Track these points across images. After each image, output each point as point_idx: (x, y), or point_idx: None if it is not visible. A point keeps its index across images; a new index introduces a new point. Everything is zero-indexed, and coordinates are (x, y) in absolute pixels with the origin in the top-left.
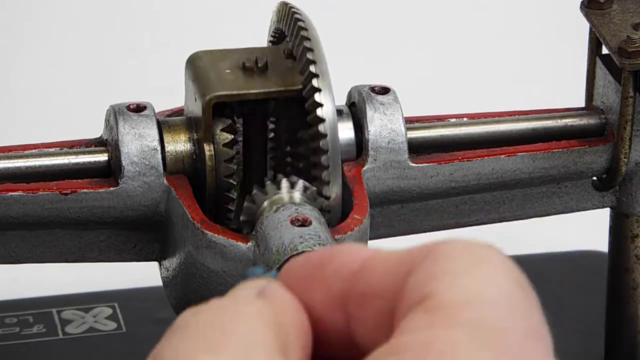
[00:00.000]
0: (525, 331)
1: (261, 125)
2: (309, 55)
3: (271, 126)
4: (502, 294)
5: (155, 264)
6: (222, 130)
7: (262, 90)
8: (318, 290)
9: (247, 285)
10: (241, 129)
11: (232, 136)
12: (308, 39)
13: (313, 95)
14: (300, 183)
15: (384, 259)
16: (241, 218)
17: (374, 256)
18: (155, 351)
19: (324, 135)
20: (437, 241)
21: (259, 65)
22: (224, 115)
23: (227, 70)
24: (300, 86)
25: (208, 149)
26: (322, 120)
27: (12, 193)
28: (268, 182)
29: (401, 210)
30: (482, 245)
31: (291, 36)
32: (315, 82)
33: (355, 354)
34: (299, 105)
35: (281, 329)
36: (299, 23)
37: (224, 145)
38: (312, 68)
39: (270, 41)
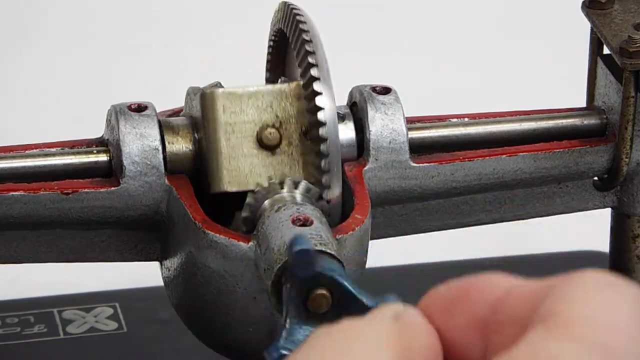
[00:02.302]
0: (636, 356)
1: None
2: (310, 59)
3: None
4: (621, 317)
5: (156, 263)
6: None
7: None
8: (460, 315)
9: (385, 308)
10: None
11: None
12: (310, 42)
13: (314, 99)
14: (304, 183)
15: (525, 287)
16: (242, 214)
17: (516, 284)
18: None
19: (324, 139)
20: (577, 272)
21: (273, 143)
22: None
23: (241, 142)
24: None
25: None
26: (322, 124)
27: (14, 193)
28: (271, 181)
29: (402, 210)
30: (618, 277)
31: (292, 36)
32: (313, 72)
33: None
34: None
35: (409, 350)
36: (300, 23)
37: None
38: (313, 71)
39: (270, 41)
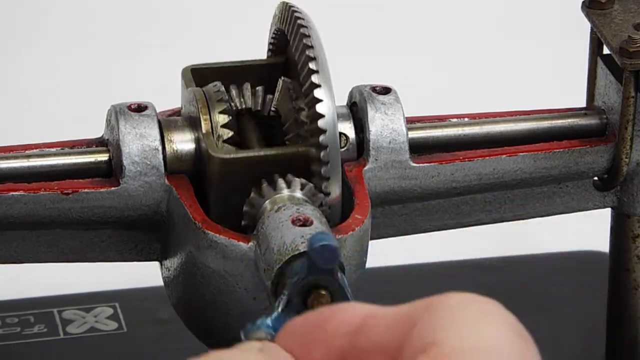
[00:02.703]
0: None
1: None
2: (309, 53)
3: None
4: (505, 343)
5: (156, 263)
6: (222, 126)
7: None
8: (318, 348)
9: (249, 343)
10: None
11: (233, 132)
12: (308, 37)
13: (312, 92)
14: (297, 181)
15: (385, 315)
16: (242, 223)
17: (374, 312)
18: None
19: (324, 131)
20: (438, 295)
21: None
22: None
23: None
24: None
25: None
26: (321, 115)
27: (14, 193)
28: (265, 184)
29: (402, 210)
30: (483, 298)
31: (292, 36)
32: (314, 78)
33: None
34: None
35: None
36: (300, 23)
37: (225, 141)
38: (311, 65)
39: (271, 41)
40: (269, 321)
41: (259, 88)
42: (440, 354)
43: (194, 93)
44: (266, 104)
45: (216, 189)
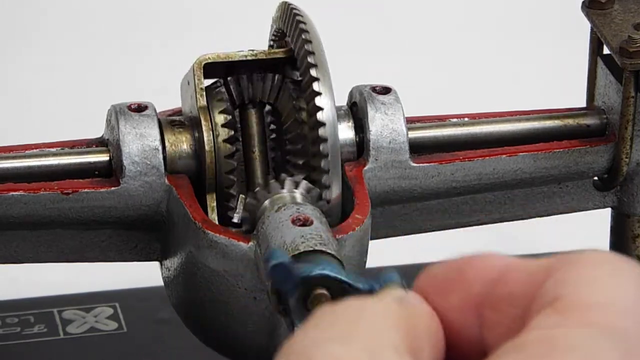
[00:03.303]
0: None
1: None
2: (310, 59)
3: (272, 127)
4: (632, 302)
5: (156, 263)
6: (222, 125)
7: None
8: (456, 294)
9: (386, 291)
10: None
11: (233, 132)
12: (309, 42)
13: (314, 99)
14: (304, 183)
15: (522, 266)
16: (242, 215)
17: (513, 263)
18: (292, 338)
19: (324, 140)
20: (575, 251)
21: None
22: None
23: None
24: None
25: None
26: (322, 124)
27: (14, 193)
28: (272, 181)
29: (402, 210)
30: (619, 256)
31: (292, 36)
32: (315, 86)
33: None
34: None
35: (414, 332)
36: (300, 23)
37: (224, 140)
38: (312, 72)
39: (271, 40)
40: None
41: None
42: (564, 307)
43: (195, 95)
44: (270, 95)
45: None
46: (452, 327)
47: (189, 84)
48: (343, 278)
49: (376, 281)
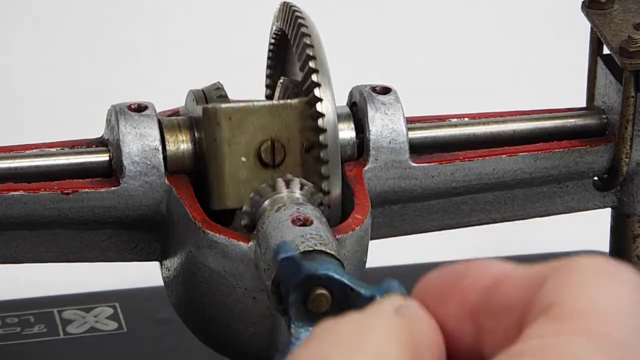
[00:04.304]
0: None
1: None
2: (309, 52)
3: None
4: (627, 308)
5: (156, 263)
6: None
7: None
8: (453, 303)
9: (386, 301)
10: None
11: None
12: (309, 36)
13: (313, 90)
14: (296, 181)
15: (518, 273)
16: (242, 222)
17: (508, 271)
18: (293, 355)
19: (323, 130)
20: (570, 257)
21: (275, 159)
22: None
23: (243, 159)
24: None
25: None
26: (321, 114)
27: (14, 193)
28: (263, 184)
29: (402, 210)
30: (614, 262)
31: (292, 36)
32: (314, 77)
33: None
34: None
35: (416, 347)
36: (301, 23)
37: None
38: (311, 64)
39: (271, 41)
40: (291, 347)
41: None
42: (559, 315)
43: (194, 93)
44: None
45: None
46: (450, 335)
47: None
48: (346, 282)
49: (377, 289)
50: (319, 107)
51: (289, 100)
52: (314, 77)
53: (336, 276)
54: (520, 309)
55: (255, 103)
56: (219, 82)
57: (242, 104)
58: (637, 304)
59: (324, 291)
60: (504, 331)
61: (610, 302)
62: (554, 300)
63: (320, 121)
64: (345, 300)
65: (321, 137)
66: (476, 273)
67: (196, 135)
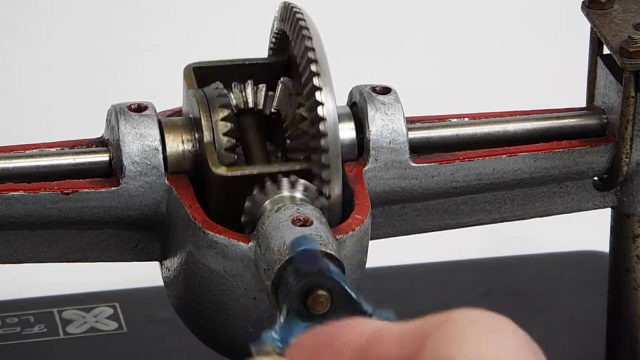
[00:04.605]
0: None
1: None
2: (310, 55)
3: (272, 128)
4: (518, 356)
5: (156, 264)
6: (224, 134)
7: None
8: None
9: (258, 357)
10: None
11: (233, 140)
12: (310, 39)
13: (314, 94)
14: (301, 182)
15: (394, 330)
16: (242, 219)
17: (383, 328)
18: None
19: (325, 134)
20: (448, 311)
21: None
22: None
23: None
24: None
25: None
26: (322, 119)
27: (14, 193)
28: (268, 182)
29: (402, 210)
30: (494, 314)
31: (293, 36)
32: (316, 81)
33: None
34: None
35: None
36: (301, 23)
37: (226, 149)
38: (313, 67)
39: (272, 41)
40: (274, 334)
41: (262, 86)
42: None
43: (195, 97)
44: (267, 103)
45: (216, 197)
46: None
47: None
48: (352, 293)
49: (376, 310)
50: (320, 111)
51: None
52: (315, 80)
53: (345, 285)
54: None
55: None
56: (219, 82)
57: None
58: (529, 355)
59: (325, 294)
60: None
61: (504, 354)
62: (445, 354)
63: (321, 125)
64: (343, 306)
65: (322, 142)
66: (349, 332)
67: (196, 135)
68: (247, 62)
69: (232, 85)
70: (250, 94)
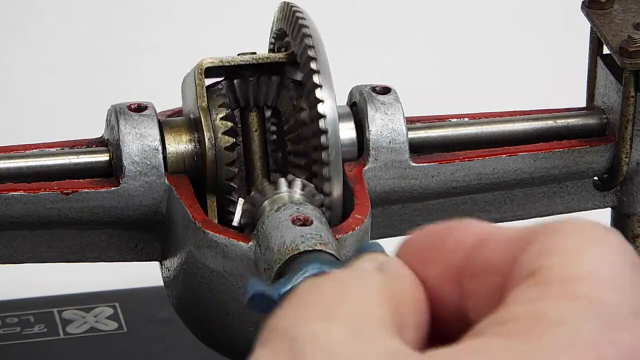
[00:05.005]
0: (633, 310)
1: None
2: (310, 53)
3: (272, 128)
4: (615, 272)
5: (156, 263)
6: (223, 133)
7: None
8: (437, 262)
9: (367, 258)
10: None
11: (234, 139)
12: (310, 38)
13: (314, 92)
14: (298, 181)
15: (503, 234)
16: (242, 220)
17: (493, 231)
18: (273, 318)
19: (325, 132)
20: (555, 220)
21: None
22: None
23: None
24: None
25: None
26: (322, 116)
27: (14, 193)
28: (266, 183)
29: (402, 210)
30: (599, 225)
31: (293, 36)
32: (315, 79)
33: (466, 330)
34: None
35: (399, 306)
36: (301, 23)
37: (225, 148)
38: (312, 65)
39: (272, 41)
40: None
41: (263, 84)
42: (546, 279)
43: (195, 97)
44: (272, 99)
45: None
46: (433, 296)
47: (189, 85)
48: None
49: (359, 253)
50: (320, 108)
51: None
52: (315, 79)
53: (308, 274)
54: (503, 271)
55: None
56: (219, 81)
57: None
58: (626, 268)
59: None
60: (486, 293)
61: (600, 266)
62: (541, 264)
63: (321, 122)
64: None
65: (322, 139)
66: (460, 233)
67: (196, 135)
68: (251, 62)
69: (234, 81)
70: (252, 90)
